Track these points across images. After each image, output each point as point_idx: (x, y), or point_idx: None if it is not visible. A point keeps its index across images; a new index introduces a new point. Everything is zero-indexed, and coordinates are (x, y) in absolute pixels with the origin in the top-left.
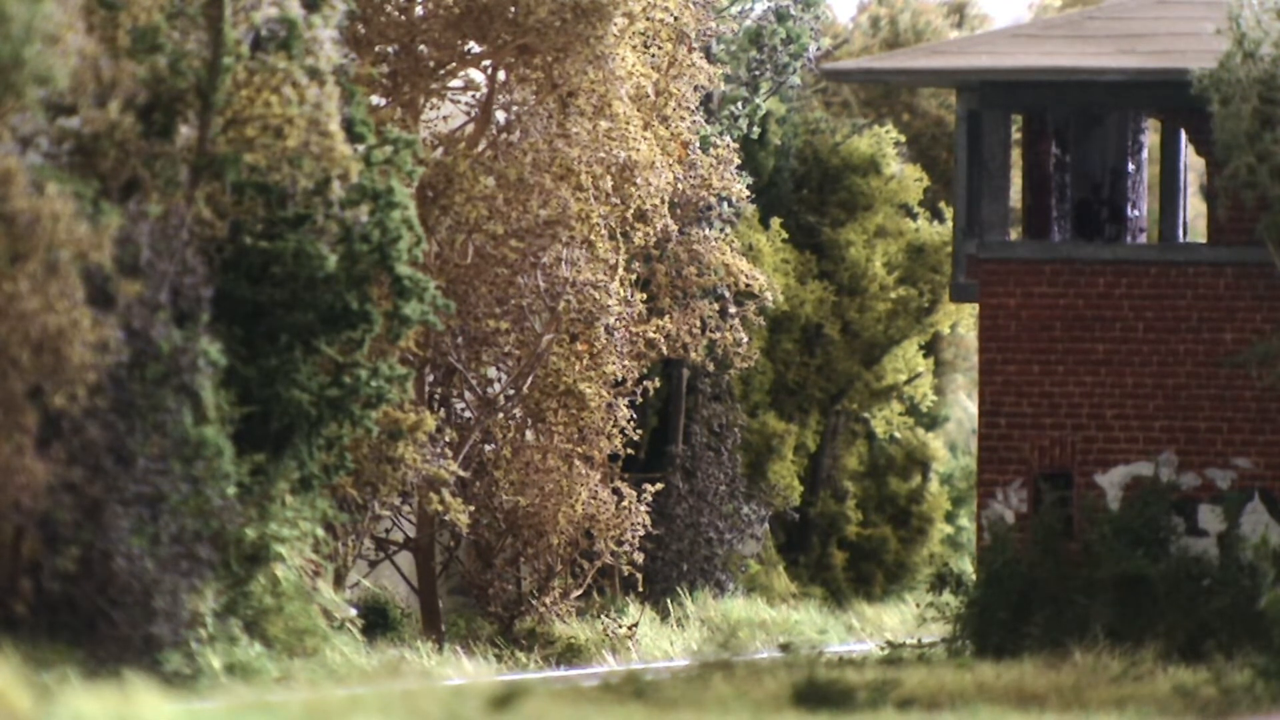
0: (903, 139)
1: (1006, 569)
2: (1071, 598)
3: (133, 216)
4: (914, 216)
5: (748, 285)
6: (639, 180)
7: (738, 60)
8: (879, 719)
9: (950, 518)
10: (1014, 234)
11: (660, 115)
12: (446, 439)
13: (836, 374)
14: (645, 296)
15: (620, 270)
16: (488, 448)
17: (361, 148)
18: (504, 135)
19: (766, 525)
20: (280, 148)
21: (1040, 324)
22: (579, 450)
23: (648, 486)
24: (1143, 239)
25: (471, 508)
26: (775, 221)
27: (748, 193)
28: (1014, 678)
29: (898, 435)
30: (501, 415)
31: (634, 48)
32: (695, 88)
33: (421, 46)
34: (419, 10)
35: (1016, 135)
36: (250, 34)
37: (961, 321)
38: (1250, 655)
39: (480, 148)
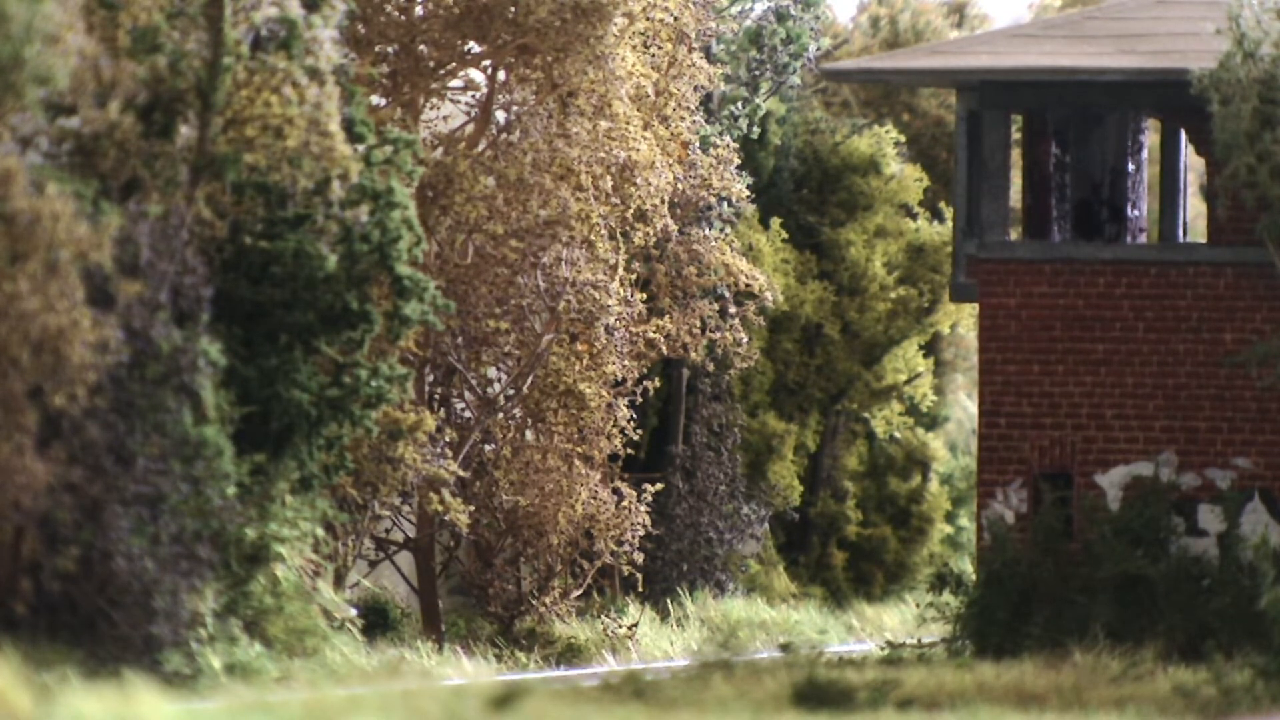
0: (903, 139)
1: (1006, 569)
2: (1071, 598)
3: (133, 216)
4: (914, 216)
5: (748, 285)
6: (639, 180)
7: (738, 60)
8: (879, 719)
9: (950, 518)
10: (1014, 234)
11: (660, 115)
12: (446, 439)
13: (836, 374)
14: (645, 296)
15: (620, 270)
16: (488, 448)
17: (361, 148)
18: (504, 135)
19: (766, 525)
20: (280, 148)
21: (1040, 324)
22: (579, 450)
23: (648, 486)
24: (1143, 239)
25: (471, 508)
26: (775, 221)
27: (748, 193)
28: (1014, 678)
29: (898, 435)
30: (501, 415)
31: (634, 48)
32: (695, 88)
33: (421, 46)
34: (419, 10)
35: (1016, 135)
36: (250, 34)
37: (961, 321)
38: (1250, 655)
39: (480, 148)
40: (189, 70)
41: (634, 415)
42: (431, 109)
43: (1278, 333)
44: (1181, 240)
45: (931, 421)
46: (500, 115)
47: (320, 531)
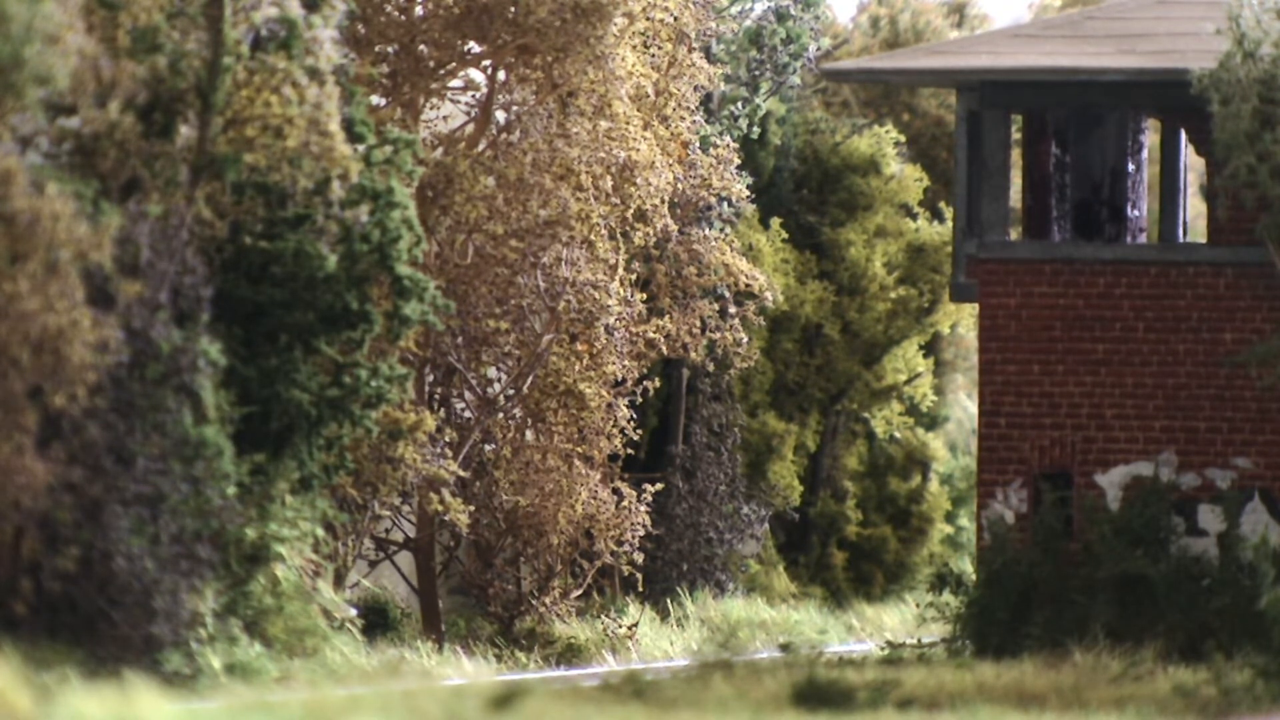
0: (903, 139)
1: (1006, 569)
2: (1071, 598)
3: (133, 216)
4: (914, 216)
5: (748, 285)
6: (639, 180)
7: (738, 60)
8: (879, 719)
9: (950, 518)
10: (1014, 234)
11: (660, 115)
12: (446, 439)
13: (836, 374)
14: (645, 296)
15: (620, 270)
16: (488, 448)
17: (361, 148)
18: (504, 135)
19: (766, 525)
20: (280, 148)
21: (1040, 324)
22: (579, 450)
23: (648, 486)
24: (1143, 239)
25: (471, 508)
26: (775, 221)
27: (748, 193)
28: (1014, 678)
29: (898, 435)
30: (501, 415)
31: (634, 48)
32: (695, 88)
33: (421, 46)
34: (419, 10)
35: (1016, 135)
36: (250, 34)
37: (961, 321)
38: (1250, 655)
39: (480, 148)
40: (189, 70)
41: (634, 415)
42: (431, 109)
43: (1278, 333)
44: (1181, 240)
45: (931, 421)
46: (500, 115)
47: (320, 531)
